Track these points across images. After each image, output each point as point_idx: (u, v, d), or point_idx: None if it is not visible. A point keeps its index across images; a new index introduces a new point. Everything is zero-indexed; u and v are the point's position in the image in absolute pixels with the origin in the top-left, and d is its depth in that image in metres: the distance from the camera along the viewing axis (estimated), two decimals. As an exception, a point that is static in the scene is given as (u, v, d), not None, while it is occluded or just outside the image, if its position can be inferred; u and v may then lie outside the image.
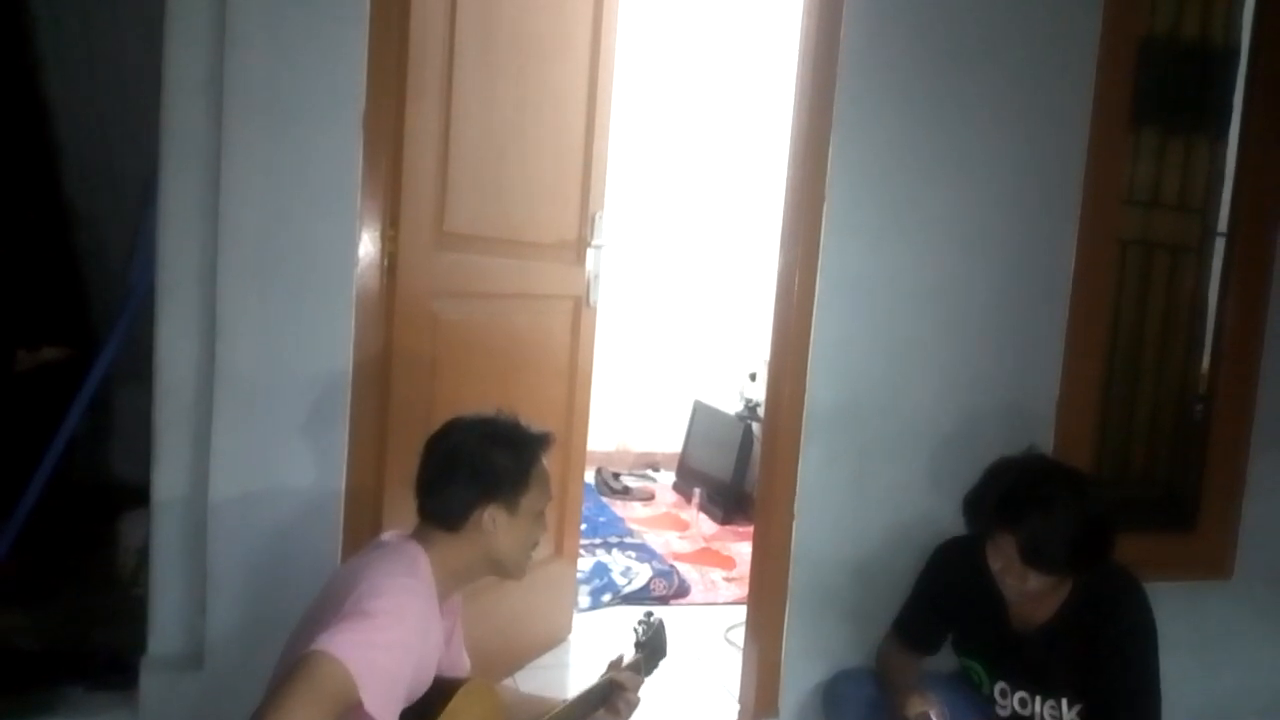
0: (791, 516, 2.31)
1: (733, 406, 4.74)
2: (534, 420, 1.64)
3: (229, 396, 1.99)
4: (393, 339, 2.09)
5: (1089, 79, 2.42)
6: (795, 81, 2.35)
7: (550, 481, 1.63)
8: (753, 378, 4.64)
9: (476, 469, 1.52)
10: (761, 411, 3.49)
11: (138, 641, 2.10)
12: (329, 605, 1.39)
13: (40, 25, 2.87)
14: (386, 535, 1.60)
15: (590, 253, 2.77)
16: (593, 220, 2.76)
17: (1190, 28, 2.63)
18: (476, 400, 1.70)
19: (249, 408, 2.00)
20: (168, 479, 2.05)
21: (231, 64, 1.92)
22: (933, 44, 2.31)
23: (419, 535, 1.55)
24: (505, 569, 1.60)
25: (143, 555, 2.25)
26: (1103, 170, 2.45)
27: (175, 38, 1.96)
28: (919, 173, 2.33)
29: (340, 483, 2.05)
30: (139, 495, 2.16)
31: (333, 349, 2.02)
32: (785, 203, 2.38)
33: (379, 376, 2.08)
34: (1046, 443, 2.37)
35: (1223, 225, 2.70)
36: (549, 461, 1.63)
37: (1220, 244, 2.70)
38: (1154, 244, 2.64)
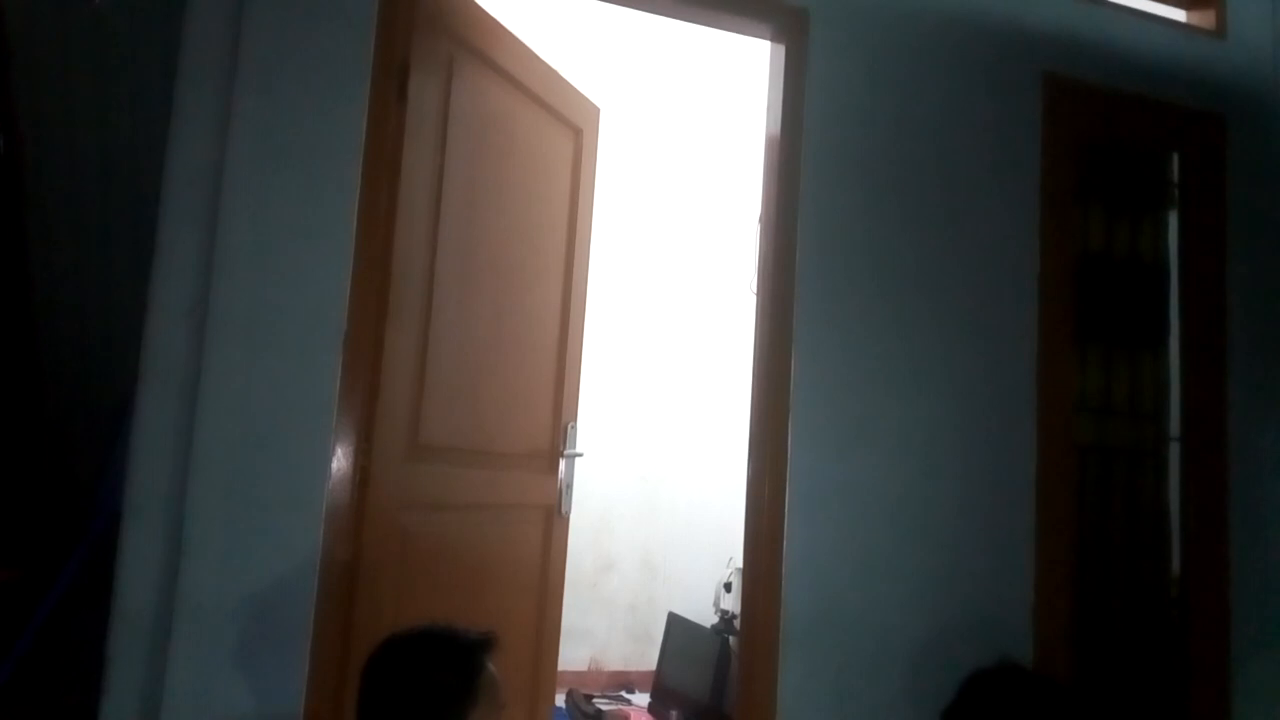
0: (773, 741, 2.22)
1: (708, 619, 4.61)
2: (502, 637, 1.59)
3: (189, 620, 1.92)
4: (361, 554, 2.06)
5: (1033, 295, 2.58)
6: (756, 296, 2.48)
7: (500, 687, 1.55)
8: (728, 588, 4.54)
9: (418, 691, 1.47)
10: (738, 624, 3.41)
11: None
12: None
13: (34, 253, 2.98)
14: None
15: (562, 462, 2.80)
16: (565, 430, 2.80)
17: (1121, 247, 2.83)
18: (443, 620, 1.66)
19: (209, 632, 1.93)
20: (117, 707, 1.95)
21: (217, 292, 2.00)
22: (884, 263, 2.48)
23: (370, 768, 1.47)
24: None
25: (79, 796, 2.09)
26: (1053, 380, 2.57)
27: (163, 267, 2.03)
28: (880, 385, 2.43)
29: (299, 709, 1.96)
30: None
31: (298, 568, 1.98)
32: (751, 413, 2.44)
33: (344, 594, 2.03)
34: (1025, 651, 2.34)
35: (1176, 429, 2.79)
36: (496, 666, 1.55)
37: (1176, 448, 2.79)
38: (1111, 449, 2.72)
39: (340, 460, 2.05)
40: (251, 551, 1.97)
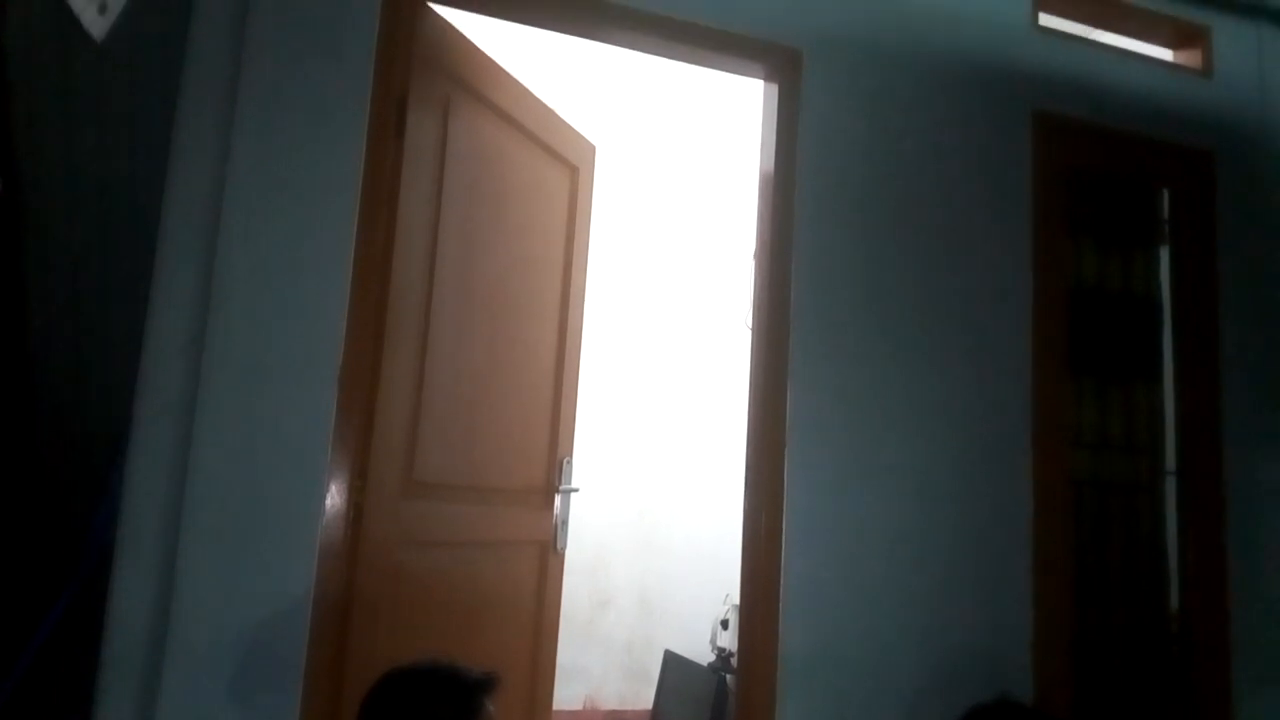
0: (772, 784, 2.19)
1: (705, 656, 4.56)
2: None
3: (181, 658, 1.90)
4: (355, 592, 2.04)
5: (1028, 329, 2.59)
6: (751, 331, 2.49)
7: None
8: (725, 625, 4.50)
9: None
10: (735, 662, 3.38)
11: None
12: None
13: (32, 288, 2.98)
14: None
15: (558, 497, 2.78)
16: (561, 465, 2.79)
17: (1114, 282, 2.85)
18: (444, 656, 1.64)
19: (201, 670, 1.91)
20: (104, 750, 1.92)
21: (214, 326, 2.00)
22: (878, 298, 2.49)
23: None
24: None
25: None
26: (1048, 415, 2.57)
27: (161, 300, 2.04)
28: (876, 420, 2.43)
29: (290, 750, 1.93)
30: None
31: (292, 605, 1.97)
32: (747, 448, 2.44)
33: (338, 632, 2.01)
34: (1025, 687, 2.32)
35: (1172, 464, 2.79)
36: (495, 705, 1.53)
37: (1172, 482, 2.78)
38: (1107, 484, 2.71)
39: (335, 497, 2.04)
40: (244, 588, 1.95)
